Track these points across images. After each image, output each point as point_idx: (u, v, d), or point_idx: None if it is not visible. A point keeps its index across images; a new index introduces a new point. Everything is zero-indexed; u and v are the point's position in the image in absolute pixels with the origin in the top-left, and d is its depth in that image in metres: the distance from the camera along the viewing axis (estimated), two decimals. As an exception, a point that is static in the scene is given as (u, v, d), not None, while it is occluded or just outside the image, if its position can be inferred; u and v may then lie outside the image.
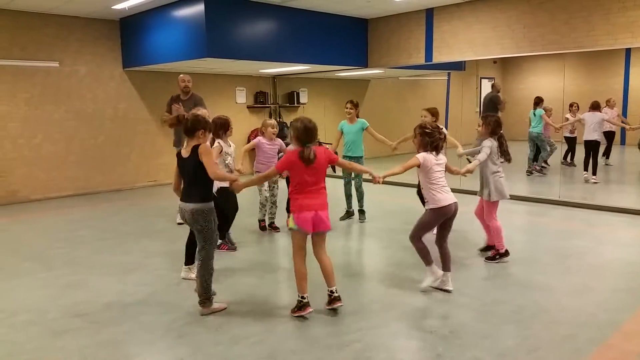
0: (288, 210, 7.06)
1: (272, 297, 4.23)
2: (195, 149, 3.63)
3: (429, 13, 9.10)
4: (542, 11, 7.75)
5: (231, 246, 5.45)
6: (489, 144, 4.83)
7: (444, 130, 5.63)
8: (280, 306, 3.97)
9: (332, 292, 3.74)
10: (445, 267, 4.21)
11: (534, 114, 10.15)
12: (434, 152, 4.16)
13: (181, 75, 6.67)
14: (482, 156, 4.81)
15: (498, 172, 4.88)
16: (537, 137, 10.09)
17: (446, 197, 4.16)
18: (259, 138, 6.11)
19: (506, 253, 4.98)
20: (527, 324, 3.57)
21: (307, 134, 3.59)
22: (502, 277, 4.56)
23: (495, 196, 4.88)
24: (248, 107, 11.35)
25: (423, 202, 6.07)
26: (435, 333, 3.45)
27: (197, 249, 3.83)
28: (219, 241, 5.37)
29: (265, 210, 6.24)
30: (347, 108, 6.66)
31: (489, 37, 8.40)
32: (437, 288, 4.19)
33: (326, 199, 3.72)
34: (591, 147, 8.97)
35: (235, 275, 4.69)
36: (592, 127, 8.95)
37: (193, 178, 3.69)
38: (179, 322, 3.70)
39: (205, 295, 3.79)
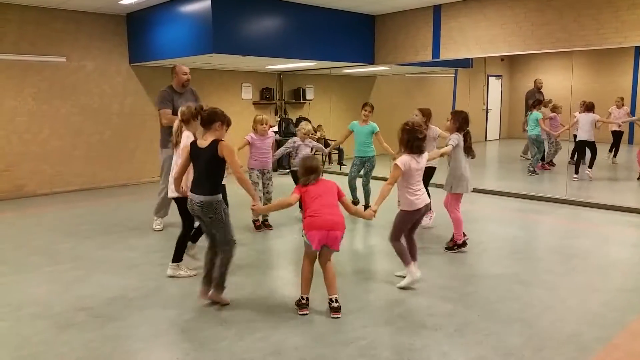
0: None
1: (275, 293, 4.23)
2: (214, 144, 3.66)
3: (437, 10, 9.06)
4: (550, 9, 7.69)
5: None
6: (456, 137, 5.09)
7: (436, 130, 5.78)
8: (284, 302, 3.96)
9: (331, 300, 3.73)
10: (413, 257, 4.33)
11: (533, 116, 10.06)
12: (415, 154, 4.17)
13: (183, 67, 6.05)
14: (452, 143, 5.09)
15: (462, 167, 5.12)
16: (535, 139, 10.04)
17: (420, 201, 4.24)
18: (251, 135, 6.14)
19: (464, 244, 5.21)
20: (533, 323, 3.56)
21: (308, 169, 3.76)
22: (507, 275, 4.54)
23: (457, 189, 5.17)
24: (254, 103, 11.35)
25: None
26: (441, 331, 3.45)
27: (217, 241, 3.84)
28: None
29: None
30: (365, 111, 6.80)
31: (496, 34, 8.35)
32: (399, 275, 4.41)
33: (340, 218, 3.71)
34: (584, 147, 9.10)
35: (238, 272, 4.69)
36: (585, 127, 9.07)
37: (205, 170, 3.73)
38: (184, 317, 3.71)
39: (222, 281, 3.83)
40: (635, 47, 9.36)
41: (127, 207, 7.80)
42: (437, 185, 9.03)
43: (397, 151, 6.16)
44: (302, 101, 12.09)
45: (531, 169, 10.11)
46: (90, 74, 9.14)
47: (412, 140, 4.13)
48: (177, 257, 4.55)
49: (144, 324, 3.64)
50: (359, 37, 9.95)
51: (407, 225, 4.32)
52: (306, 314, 3.71)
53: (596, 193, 8.37)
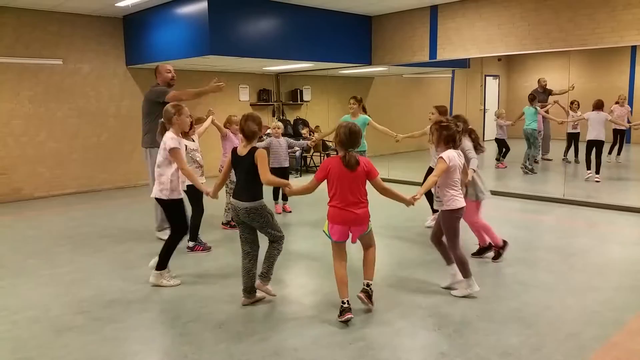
0: (275, 197, 7.11)
1: (273, 296, 4.22)
2: (252, 151, 3.72)
3: (433, 10, 9.07)
4: (546, 8, 7.71)
5: (205, 246, 5.37)
6: (470, 145, 4.72)
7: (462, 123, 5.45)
8: (283, 304, 3.96)
9: (364, 285, 3.78)
10: (450, 261, 4.16)
11: (529, 110, 10.10)
12: (452, 148, 3.99)
13: (166, 65, 5.84)
14: (474, 163, 4.68)
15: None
16: (531, 134, 10.07)
17: (462, 199, 4.03)
18: (228, 132, 6.13)
19: (505, 243, 4.96)
20: (531, 322, 3.56)
21: (352, 138, 3.52)
22: (505, 275, 4.54)
23: (473, 197, 4.86)
24: (251, 104, 11.34)
25: (431, 202, 6.08)
26: (439, 331, 3.44)
27: (268, 238, 3.89)
28: (192, 243, 5.34)
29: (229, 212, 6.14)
30: (349, 103, 6.79)
31: (493, 34, 8.36)
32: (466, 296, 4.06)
33: (366, 213, 3.60)
34: (594, 146, 8.92)
35: (236, 274, 4.67)
36: (595, 126, 8.88)
37: (246, 177, 3.78)
38: (182, 320, 3.70)
39: (269, 272, 3.91)
40: (632, 46, 9.39)
41: (125, 209, 7.79)
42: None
43: (405, 136, 6.14)
44: (299, 102, 12.09)
45: (529, 166, 10.11)
46: (87, 77, 9.12)
47: (453, 134, 3.94)
48: (162, 265, 4.37)
49: (142, 326, 3.64)
50: (356, 38, 9.96)
51: (458, 225, 4.02)
52: (351, 318, 3.54)
53: (594, 192, 8.37)
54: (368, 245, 3.80)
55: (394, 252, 5.39)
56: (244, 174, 3.77)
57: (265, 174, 3.67)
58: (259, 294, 3.96)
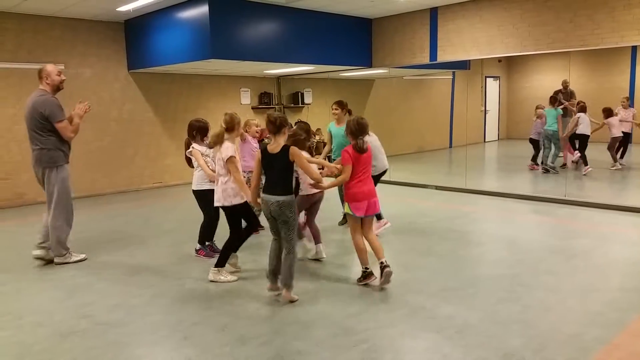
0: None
1: (276, 298, 4.23)
2: (286, 149, 3.92)
3: (433, 12, 9.09)
4: (546, 9, 7.72)
5: (209, 253, 5.33)
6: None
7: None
8: (286, 307, 3.97)
9: (382, 263, 4.27)
10: (317, 240, 5.06)
11: (551, 112, 10.13)
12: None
13: (56, 66, 5.12)
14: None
15: None
16: (552, 134, 10.07)
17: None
18: (247, 136, 6.13)
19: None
20: (533, 324, 3.56)
21: (360, 128, 4.24)
22: (507, 276, 4.54)
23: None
24: (253, 108, 11.37)
25: None
26: (442, 333, 3.45)
27: (285, 239, 4.04)
28: (198, 246, 5.36)
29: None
30: (332, 109, 6.20)
31: (493, 35, 8.38)
32: (313, 258, 5.05)
33: (373, 186, 4.39)
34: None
35: (239, 277, 4.70)
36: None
37: (280, 174, 3.96)
38: (185, 323, 3.71)
39: (291, 280, 4.03)
40: (632, 46, 9.40)
41: (127, 213, 7.80)
42: (438, 188, 9.05)
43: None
44: (300, 105, 12.11)
45: (551, 165, 10.16)
46: (89, 81, 9.16)
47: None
48: (221, 262, 4.55)
49: (145, 330, 3.65)
50: (357, 40, 9.98)
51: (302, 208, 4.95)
52: (375, 279, 4.32)
53: (596, 193, 8.38)
54: (370, 228, 4.42)
55: (397, 254, 5.39)
56: (278, 170, 3.96)
57: (310, 171, 4.08)
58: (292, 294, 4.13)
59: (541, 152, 10.39)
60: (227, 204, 4.44)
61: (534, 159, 10.74)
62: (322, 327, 3.58)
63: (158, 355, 3.33)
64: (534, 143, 10.65)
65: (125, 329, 3.66)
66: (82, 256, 5.31)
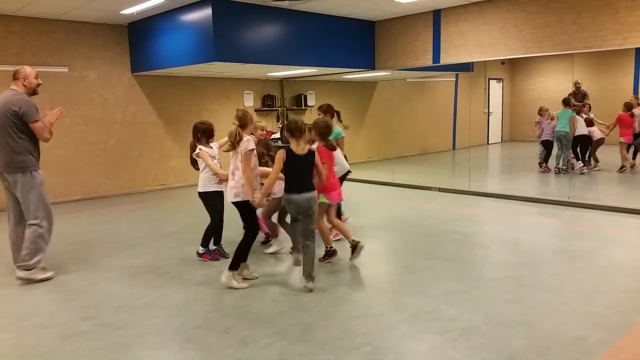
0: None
1: (279, 300, 4.23)
2: (313, 152, 4.46)
3: (436, 14, 9.09)
4: (549, 11, 7.71)
5: (214, 256, 5.29)
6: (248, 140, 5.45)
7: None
8: (289, 309, 3.97)
9: (353, 240, 5.07)
10: (275, 234, 5.54)
11: (564, 114, 10.13)
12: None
13: (33, 70, 4.82)
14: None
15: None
16: (564, 136, 10.09)
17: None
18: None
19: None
20: (537, 326, 3.55)
21: (329, 130, 4.89)
22: (510, 278, 4.53)
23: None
24: (256, 110, 11.38)
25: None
26: (445, 335, 3.44)
27: (307, 235, 4.41)
28: (202, 250, 5.30)
29: None
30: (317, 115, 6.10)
31: (496, 37, 8.37)
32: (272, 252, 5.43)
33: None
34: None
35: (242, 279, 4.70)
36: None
37: (308, 172, 4.43)
38: (188, 325, 3.72)
39: (312, 271, 4.38)
40: (636, 48, 9.39)
41: (130, 216, 7.82)
42: (442, 190, 9.03)
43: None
44: (303, 107, 12.12)
45: (563, 166, 10.20)
46: (93, 84, 9.19)
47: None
48: (236, 265, 4.46)
49: (148, 332, 3.65)
50: (360, 43, 9.99)
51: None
52: (338, 257, 5.05)
53: (599, 195, 8.35)
54: (335, 214, 5.19)
55: (399, 256, 5.39)
56: (308, 170, 4.42)
57: (323, 173, 4.59)
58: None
59: (557, 153, 10.41)
60: (243, 198, 4.41)
61: (546, 160, 10.75)
62: (324, 330, 3.58)
63: (161, 357, 3.33)
64: (549, 145, 10.63)
65: (128, 330, 3.67)
66: (50, 274, 4.85)
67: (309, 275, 4.34)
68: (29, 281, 4.71)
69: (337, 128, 5.86)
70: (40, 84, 4.82)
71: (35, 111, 4.66)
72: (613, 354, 3.16)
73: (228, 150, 4.59)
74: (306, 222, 4.41)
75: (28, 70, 4.74)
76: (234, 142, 4.42)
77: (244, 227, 4.84)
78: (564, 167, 10.20)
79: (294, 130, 4.32)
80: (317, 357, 3.19)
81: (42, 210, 4.85)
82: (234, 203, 4.48)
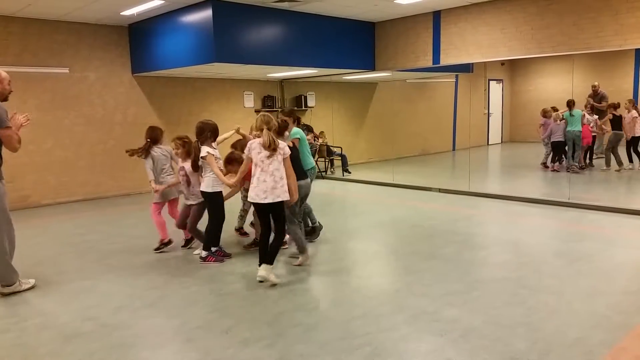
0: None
1: (280, 300, 4.24)
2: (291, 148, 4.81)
3: (436, 15, 9.10)
4: (549, 12, 7.72)
5: (218, 258, 5.26)
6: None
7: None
8: (289, 310, 3.97)
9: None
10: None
11: (571, 115, 10.29)
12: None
13: (9, 77, 4.49)
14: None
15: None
16: (578, 136, 10.28)
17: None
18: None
19: (170, 241, 5.79)
20: (538, 327, 3.55)
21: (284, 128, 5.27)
22: (511, 279, 4.53)
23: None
24: (256, 111, 11.38)
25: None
26: (446, 336, 3.44)
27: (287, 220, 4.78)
28: (204, 253, 5.27)
29: (244, 217, 6.21)
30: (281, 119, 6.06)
31: (496, 38, 8.38)
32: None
33: None
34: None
35: (243, 280, 4.70)
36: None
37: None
38: (189, 326, 3.72)
39: (304, 247, 5.03)
40: (636, 49, 9.39)
41: (131, 216, 7.83)
42: (442, 191, 9.04)
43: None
44: (303, 108, 12.13)
45: (578, 165, 10.39)
46: (93, 85, 9.20)
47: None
48: (272, 260, 4.56)
49: (149, 333, 3.65)
50: (360, 44, 10.00)
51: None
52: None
53: (600, 195, 8.36)
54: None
55: (399, 257, 5.39)
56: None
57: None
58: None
59: (572, 152, 10.53)
60: (285, 198, 4.49)
61: (560, 160, 10.84)
62: (325, 330, 3.58)
63: (162, 357, 3.33)
64: (560, 145, 10.69)
65: (129, 331, 3.67)
66: (32, 282, 4.67)
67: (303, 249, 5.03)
68: (16, 292, 4.51)
69: (295, 129, 5.87)
70: (11, 92, 4.50)
71: (7, 117, 4.26)
72: (614, 355, 3.16)
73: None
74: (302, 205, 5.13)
75: (3, 75, 4.39)
76: (271, 149, 4.44)
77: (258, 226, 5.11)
78: (582, 165, 10.41)
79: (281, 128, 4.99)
80: (318, 357, 3.19)
81: (3, 225, 4.40)
82: (271, 204, 4.45)
